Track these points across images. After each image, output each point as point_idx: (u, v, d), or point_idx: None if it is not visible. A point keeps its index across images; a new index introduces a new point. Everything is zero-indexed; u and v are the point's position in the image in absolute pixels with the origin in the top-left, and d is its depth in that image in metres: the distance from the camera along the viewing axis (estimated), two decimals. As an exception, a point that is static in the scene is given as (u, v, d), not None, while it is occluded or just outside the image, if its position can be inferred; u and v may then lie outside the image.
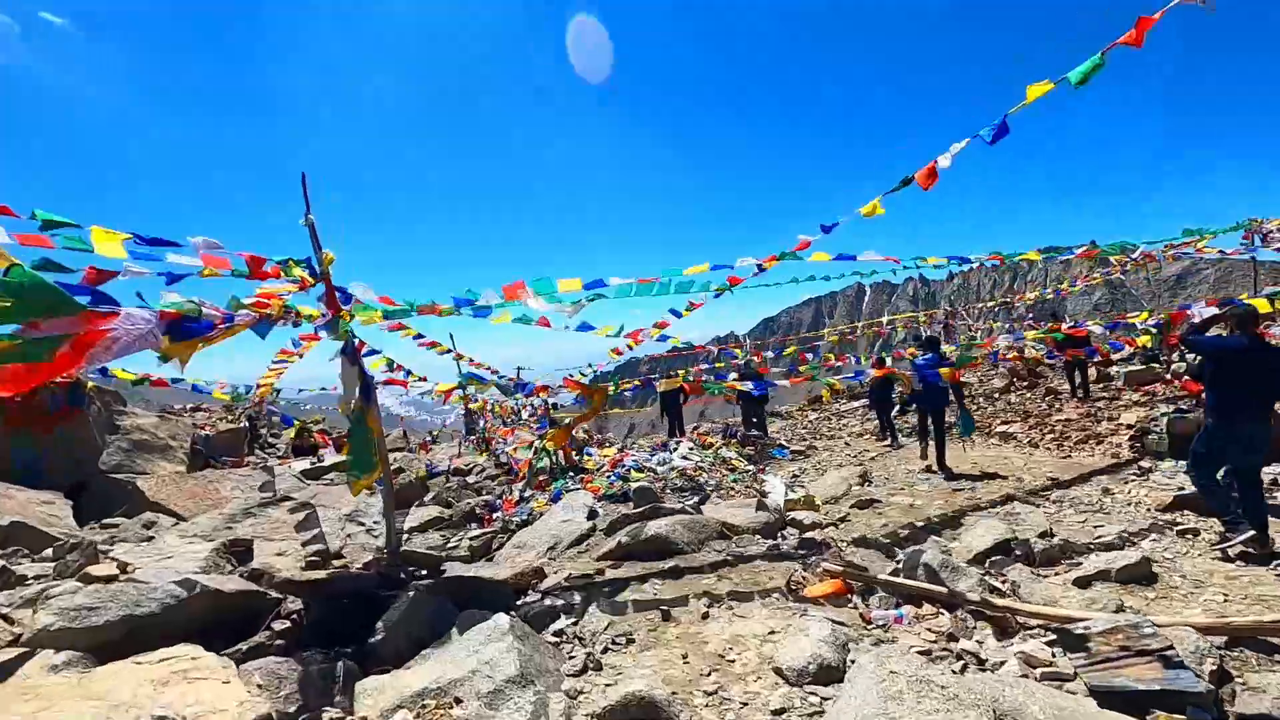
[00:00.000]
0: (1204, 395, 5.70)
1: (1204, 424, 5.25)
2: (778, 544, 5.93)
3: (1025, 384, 15.80)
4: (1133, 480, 7.11)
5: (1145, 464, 7.54)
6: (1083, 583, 4.43)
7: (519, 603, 4.97)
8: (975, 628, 3.96)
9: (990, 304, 27.47)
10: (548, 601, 4.80)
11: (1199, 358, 5.67)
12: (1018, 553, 5.05)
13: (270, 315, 4.17)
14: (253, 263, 4.67)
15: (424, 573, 5.76)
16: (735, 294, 7.58)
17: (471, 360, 19.97)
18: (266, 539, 5.80)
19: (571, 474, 9.96)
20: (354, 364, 5.39)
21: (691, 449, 10.31)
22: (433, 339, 11.55)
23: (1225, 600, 4.06)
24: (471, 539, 7.48)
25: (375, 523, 7.51)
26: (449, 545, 7.39)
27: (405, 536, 7.63)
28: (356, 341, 5.94)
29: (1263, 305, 9.18)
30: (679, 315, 9.95)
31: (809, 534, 6.41)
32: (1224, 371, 4.98)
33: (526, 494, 9.46)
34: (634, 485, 8.10)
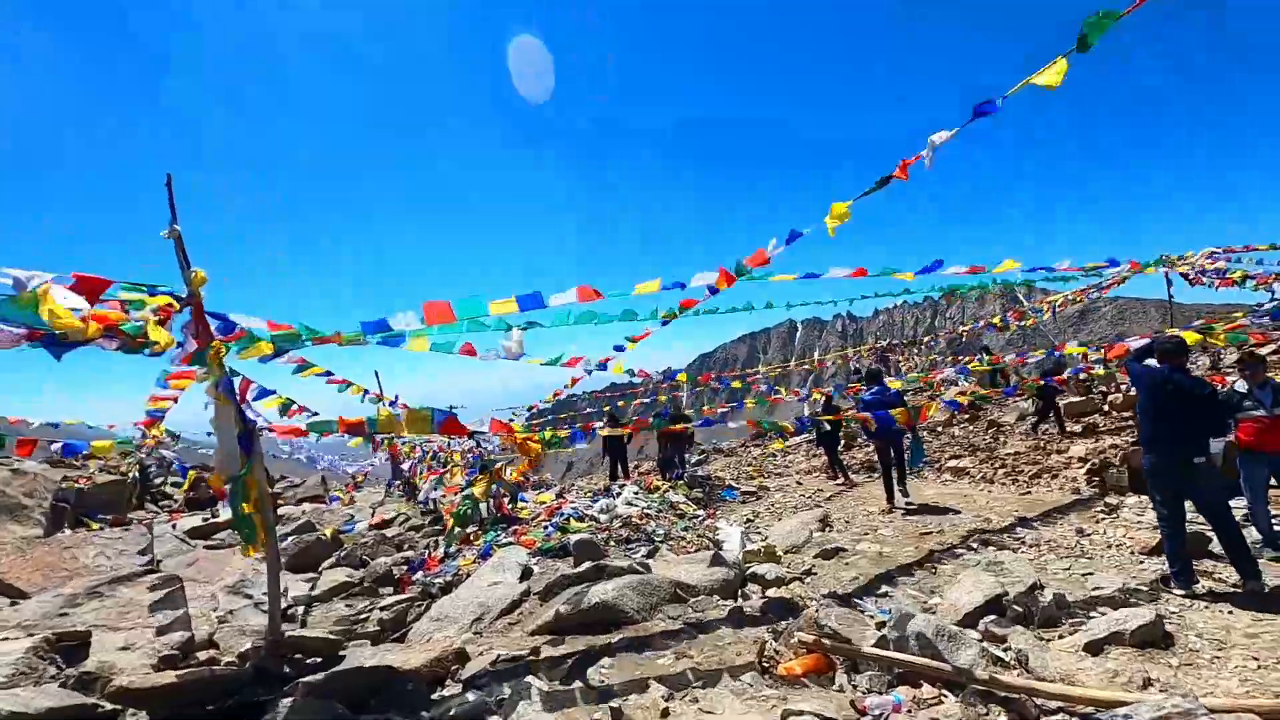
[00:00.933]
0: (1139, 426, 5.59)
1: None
2: (740, 606, 5.17)
3: (967, 416, 15.80)
4: (1103, 519, 6.75)
5: (1111, 500, 7.22)
6: (1095, 649, 3.86)
7: (435, 697, 4.04)
8: (988, 714, 3.29)
9: (925, 338, 28.01)
10: (471, 696, 3.89)
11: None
12: (1014, 610, 4.46)
13: (76, 333, 3.17)
14: (87, 285, 3.63)
15: (318, 661, 4.72)
16: (681, 321, 6.93)
17: (393, 401, 18.66)
18: (111, 628, 4.63)
19: (504, 525, 8.96)
20: (231, 407, 4.41)
21: (636, 493, 9.50)
22: (344, 376, 10.42)
23: (1259, 667, 3.55)
24: (384, 609, 6.40)
25: (265, 593, 6.33)
26: (356, 618, 6.29)
27: (302, 609, 6.49)
28: (239, 380, 4.95)
29: (1191, 337, 9.29)
30: (622, 350, 9.27)
31: (773, 590, 5.70)
32: (1151, 402, 5.02)
33: (452, 549, 8.40)
34: (574, 538, 7.21)
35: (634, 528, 7.83)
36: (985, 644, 3.91)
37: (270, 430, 4.75)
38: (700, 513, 9.08)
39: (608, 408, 17.75)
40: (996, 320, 24.68)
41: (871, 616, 4.85)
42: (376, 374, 24.26)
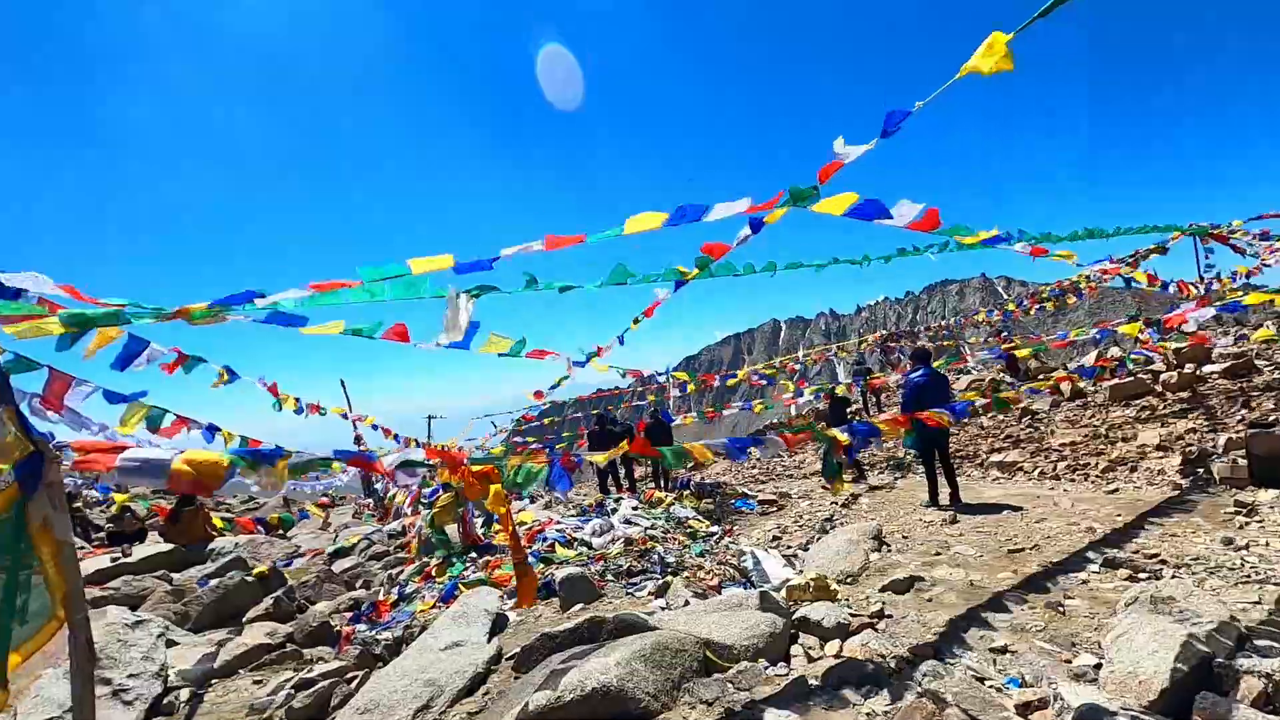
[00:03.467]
0: None
1: None
2: (801, 676, 3.55)
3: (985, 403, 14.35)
4: (1244, 522, 5.22)
5: (1242, 497, 5.70)
6: None
7: None
8: None
9: (921, 328, 26.69)
10: None
11: None
12: (1236, 676, 2.87)
13: None
14: None
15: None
16: (658, 322, 5.34)
17: (360, 418, 16.84)
18: None
19: (474, 555, 7.27)
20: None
21: (636, 509, 7.85)
22: (272, 383, 8.72)
23: None
24: (302, 688, 4.68)
25: (132, 676, 4.59)
26: (263, 705, 4.56)
27: (187, 696, 4.75)
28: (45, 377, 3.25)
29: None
30: (621, 341, 7.68)
31: (836, 644, 4.09)
32: None
33: (408, 589, 6.70)
34: (560, 573, 5.56)
35: (636, 554, 6.17)
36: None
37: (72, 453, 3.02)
38: (715, 529, 7.45)
39: (596, 411, 16.07)
40: (982, 316, 23.44)
41: (1001, 690, 3.28)
42: (343, 384, 22.46)
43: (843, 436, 5.05)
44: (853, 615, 4.51)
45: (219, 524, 11.48)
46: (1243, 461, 6.39)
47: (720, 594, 5.36)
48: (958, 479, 7.37)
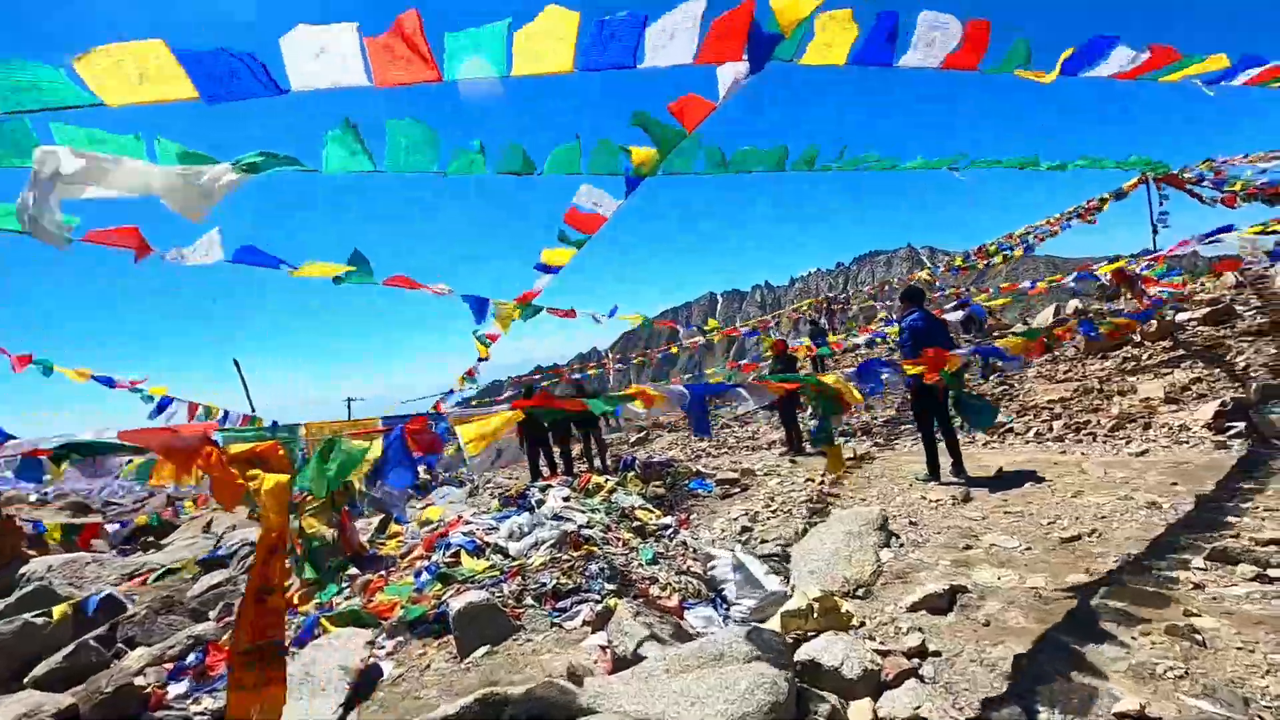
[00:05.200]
0: None
1: None
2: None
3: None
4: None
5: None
6: None
7: None
8: None
9: (869, 288, 25.94)
10: None
11: None
12: None
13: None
14: None
15: None
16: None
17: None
18: None
19: (355, 572, 5.53)
20: None
21: (569, 499, 6.24)
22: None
23: None
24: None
25: None
26: None
27: None
28: None
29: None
30: (549, 271, 6.00)
31: (864, 705, 2.66)
32: None
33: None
34: (457, 603, 3.91)
35: (566, 566, 4.58)
36: None
37: None
38: (669, 521, 5.93)
39: (524, 382, 14.33)
40: (925, 273, 22.79)
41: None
42: (236, 363, 19.83)
43: (849, 387, 3.57)
44: (881, 652, 3.06)
45: (54, 535, 9.22)
46: (1296, 412, 5.32)
47: (683, 618, 3.84)
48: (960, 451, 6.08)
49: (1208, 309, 10.47)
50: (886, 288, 30.52)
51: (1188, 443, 5.91)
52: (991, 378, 11.06)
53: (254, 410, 18.01)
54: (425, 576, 4.83)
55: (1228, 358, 8.14)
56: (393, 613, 4.39)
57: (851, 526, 4.46)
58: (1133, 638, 2.85)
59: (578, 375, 18.63)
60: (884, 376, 3.57)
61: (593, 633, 3.83)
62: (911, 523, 4.82)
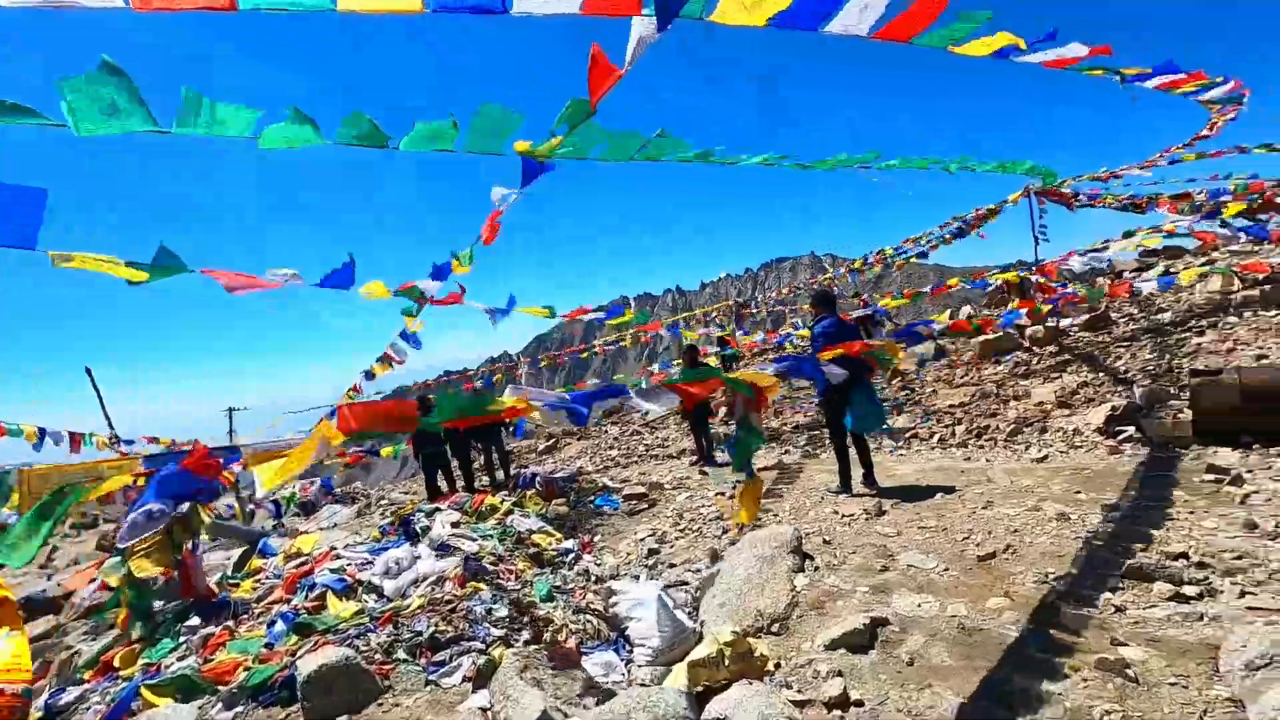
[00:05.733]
0: None
1: None
2: None
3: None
4: (1240, 494, 4.11)
5: (1216, 461, 4.65)
6: None
7: None
8: None
9: (783, 291, 26.33)
10: None
11: None
12: None
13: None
14: None
15: None
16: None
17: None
18: None
19: (197, 619, 4.69)
20: None
21: (458, 525, 5.61)
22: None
23: None
24: None
25: None
26: None
27: None
28: None
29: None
30: (444, 276, 5.42)
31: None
32: None
33: (65, 695, 4.04)
34: (308, 664, 3.25)
35: (447, 609, 3.98)
36: None
37: None
38: (570, 545, 5.43)
39: (421, 395, 13.43)
40: (840, 272, 23.47)
41: None
42: (89, 371, 17.66)
43: (764, 376, 3.22)
44: (799, 703, 2.71)
45: None
46: (1185, 416, 5.48)
47: (581, 665, 3.36)
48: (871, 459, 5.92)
49: (1087, 316, 11.09)
50: (793, 293, 31.33)
51: (1082, 447, 6.02)
52: (894, 382, 11.26)
53: (111, 426, 16.10)
54: (280, 626, 4.10)
55: (1108, 362, 8.55)
56: (234, 675, 3.66)
57: (763, 550, 4.13)
58: (1064, 674, 2.62)
59: (481, 382, 17.81)
60: (797, 381, 3.26)
61: (474, 691, 3.28)
62: (825, 541, 4.55)
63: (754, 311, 25.09)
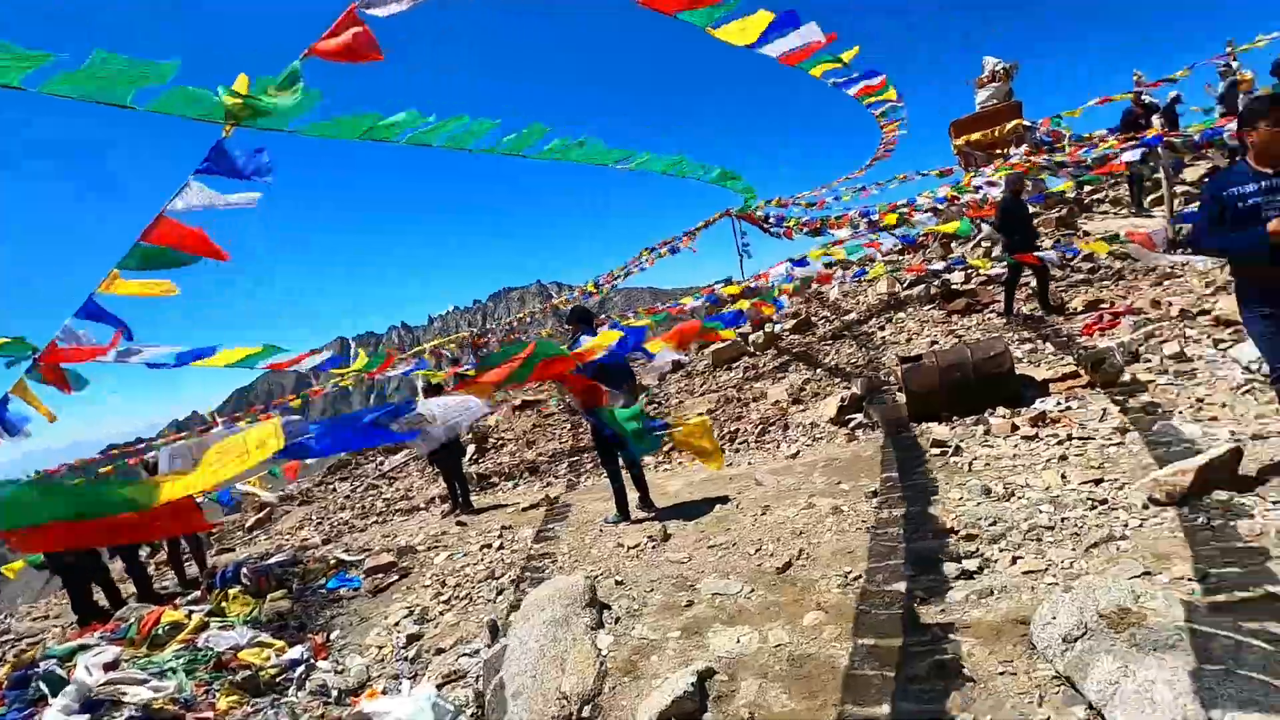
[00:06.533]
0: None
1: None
2: None
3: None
4: (963, 462, 4.57)
5: (937, 435, 5.18)
6: None
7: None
8: None
9: (520, 316, 25.91)
10: None
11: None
12: None
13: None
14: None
15: None
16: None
17: None
18: None
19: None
20: None
21: (119, 660, 3.89)
22: None
23: None
24: None
25: None
26: None
27: None
28: None
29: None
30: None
31: None
32: None
33: None
34: None
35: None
36: None
37: None
38: (297, 653, 4.11)
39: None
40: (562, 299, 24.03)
41: None
42: None
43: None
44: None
45: None
46: (901, 399, 6.15)
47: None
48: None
49: (794, 320, 12.48)
50: (529, 319, 31.21)
51: (823, 439, 6.46)
52: (641, 396, 11.42)
53: None
54: None
55: (822, 359, 9.59)
56: None
57: (553, 610, 3.46)
58: (906, 689, 2.41)
59: (152, 454, 14.17)
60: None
61: None
62: (619, 582, 4.04)
63: (487, 342, 24.29)
